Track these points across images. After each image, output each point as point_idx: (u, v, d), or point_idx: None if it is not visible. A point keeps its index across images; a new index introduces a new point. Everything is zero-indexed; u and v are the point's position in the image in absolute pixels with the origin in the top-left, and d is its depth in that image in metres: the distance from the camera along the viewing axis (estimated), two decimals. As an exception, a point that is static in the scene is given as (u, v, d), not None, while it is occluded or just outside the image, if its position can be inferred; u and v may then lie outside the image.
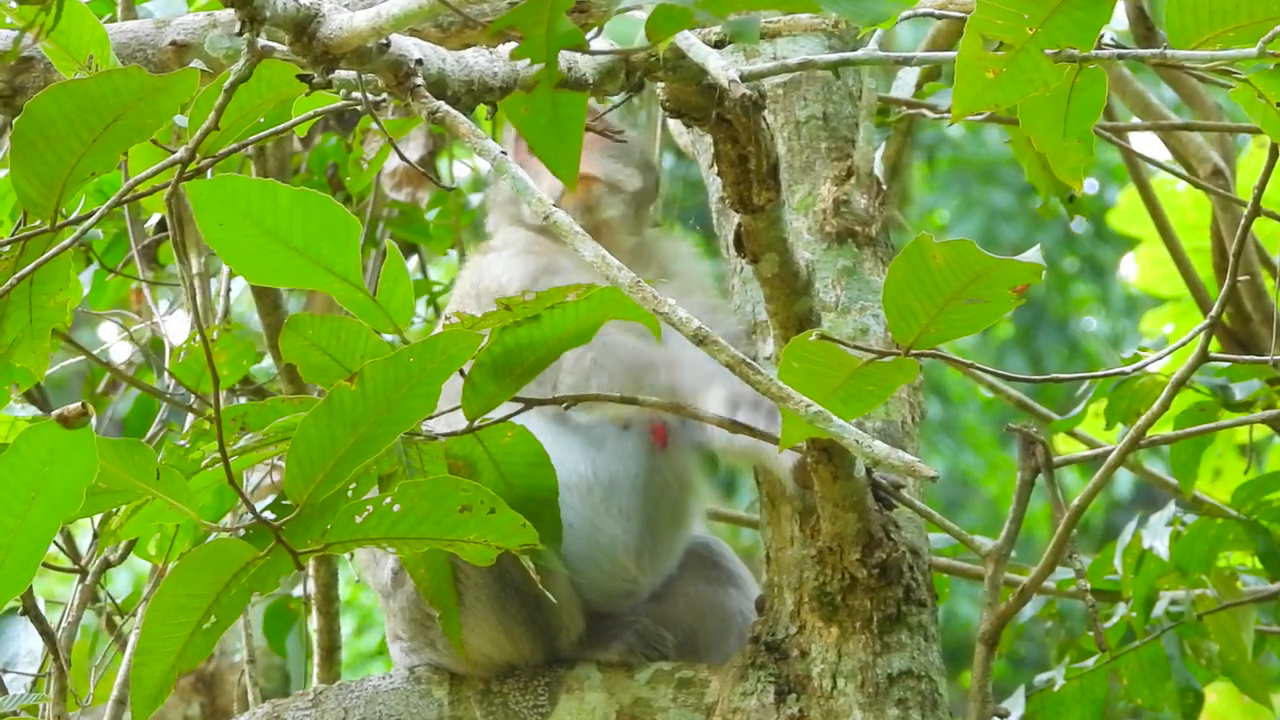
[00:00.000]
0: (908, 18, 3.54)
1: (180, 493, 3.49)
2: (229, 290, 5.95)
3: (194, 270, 5.69)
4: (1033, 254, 3.53)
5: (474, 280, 4.92)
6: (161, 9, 4.93)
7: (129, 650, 5.25)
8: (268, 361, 6.05)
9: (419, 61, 3.17)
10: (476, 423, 3.91)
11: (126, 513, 3.73)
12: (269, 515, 3.47)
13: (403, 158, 3.05)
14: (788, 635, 4.58)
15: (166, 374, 5.72)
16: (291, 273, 3.58)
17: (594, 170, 4.91)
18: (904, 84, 5.39)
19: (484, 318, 3.78)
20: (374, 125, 5.45)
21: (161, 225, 6.30)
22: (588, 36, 3.04)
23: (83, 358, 6.14)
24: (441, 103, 3.10)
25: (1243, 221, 3.98)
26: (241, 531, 3.48)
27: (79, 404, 2.88)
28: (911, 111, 5.43)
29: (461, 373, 3.76)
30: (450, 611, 4.18)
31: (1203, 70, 3.27)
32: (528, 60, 3.08)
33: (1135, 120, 6.35)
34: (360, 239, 3.57)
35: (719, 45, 3.36)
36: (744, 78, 3.23)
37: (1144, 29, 5.86)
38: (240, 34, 2.97)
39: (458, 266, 6.50)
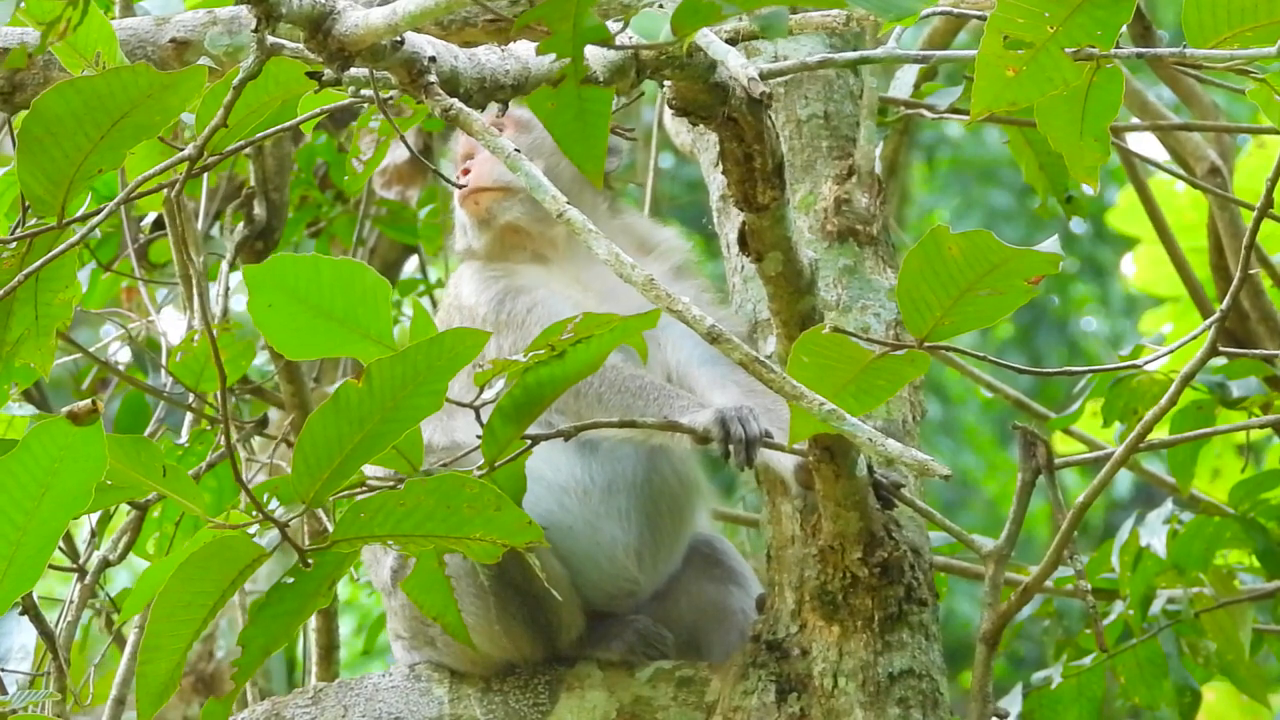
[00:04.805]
0: (930, 15, 3.54)
1: (186, 490, 3.49)
2: (228, 289, 5.95)
3: (194, 269, 5.69)
4: (1051, 244, 3.52)
5: (455, 295, 4.94)
6: (160, 6, 4.92)
7: (128, 649, 5.25)
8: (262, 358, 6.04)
9: (432, 59, 3.17)
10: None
11: None
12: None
13: (413, 153, 3.05)
14: (789, 634, 4.58)
15: (164, 372, 5.71)
16: (331, 343, 3.64)
17: (483, 181, 4.85)
18: (902, 84, 5.39)
19: (512, 362, 3.72)
20: (372, 124, 5.45)
21: (156, 224, 6.29)
22: (612, 32, 3.04)
23: (76, 356, 6.13)
24: (455, 100, 3.10)
25: (1255, 213, 3.97)
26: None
27: (89, 401, 2.89)
28: (910, 111, 5.43)
29: (480, 421, 3.75)
30: (450, 617, 4.15)
31: (1220, 69, 3.26)
32: (551, 56, 3.07)
33: (1134, 120, 6.35)
34: (390, 298, 3.63)
35: (730, 43, 3.35)
36: (762, 76, 3.23)
37: (1141, 27, 5.85)
38: (255, 31, 2.96)
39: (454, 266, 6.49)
